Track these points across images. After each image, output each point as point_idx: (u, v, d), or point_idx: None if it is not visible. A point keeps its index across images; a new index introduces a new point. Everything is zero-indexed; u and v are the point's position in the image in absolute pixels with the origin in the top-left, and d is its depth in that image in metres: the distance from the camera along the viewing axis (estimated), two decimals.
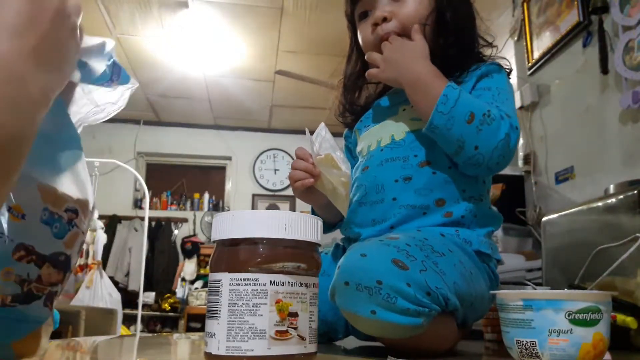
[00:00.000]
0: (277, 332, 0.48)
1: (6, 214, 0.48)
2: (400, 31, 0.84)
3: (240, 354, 0.48)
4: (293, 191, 0.80)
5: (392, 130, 0.84)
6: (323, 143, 0.78)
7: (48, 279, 0.51)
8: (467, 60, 0.85)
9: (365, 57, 0.86)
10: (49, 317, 0.52)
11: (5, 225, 0.48)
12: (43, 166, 0.52)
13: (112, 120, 0.67)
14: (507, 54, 2.41)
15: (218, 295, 0.50)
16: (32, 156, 0.44)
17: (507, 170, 1.52)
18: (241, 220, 0.51)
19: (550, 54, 2.12)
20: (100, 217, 4.05)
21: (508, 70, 0.87)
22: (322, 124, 0.79)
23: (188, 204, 5.16)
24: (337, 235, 0.96)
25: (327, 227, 0.94)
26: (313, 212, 0.92)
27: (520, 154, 2.24)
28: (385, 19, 0.84)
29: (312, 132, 0.78)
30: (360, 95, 0.98)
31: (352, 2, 0.91)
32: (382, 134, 0.85)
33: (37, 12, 0.39)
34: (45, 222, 0.51)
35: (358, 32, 0.91)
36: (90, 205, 0.57)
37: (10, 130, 0.36)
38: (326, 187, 0.76)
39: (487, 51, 0.89)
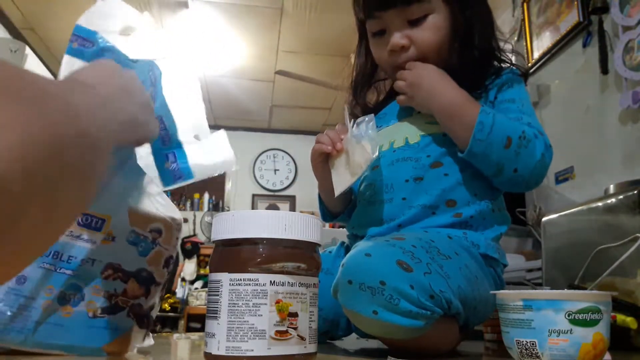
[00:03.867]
0: (277, 332, 0.48)
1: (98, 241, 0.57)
2: (419, 59, 0.81)
3: (240, 354, 0.48)
4: (311, 159, 0.79)
5: (406, 132, 0.83)
6: (364, 130, 0.74)
7: (132, 293, 0.59)
8: (487, 72, 0.84)
9: (394, 86, 0.83)
10: (132, 325, 0.60)
11: (88, 248, 0.56)
12: (133, 190, 0.60)
13: None
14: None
15: (218, 295, 0.50)
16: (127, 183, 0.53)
17: None
18: (241, 220, 0.51)
19: (550, 54, 2.12)
20: None
21: (524, 75, 0.87)
22: (371, 115, 0.75)
23: (188, 204, 5.15)
24: (337, 234, 0.95)
25: (330, 216, 0.94)
26: (319, 198, 0.91)
27: None
28: (403, 48, 0.80)
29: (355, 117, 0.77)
30: (371, 95, 0.96)
31: (364, 15, 0.85)
32: (395, 135, 0.84)
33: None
34: (131, 242, 0.59)
35: (371, 45, 0.87)
36: (176, 223, 0.64)
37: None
38: (336, 164, 0.74)
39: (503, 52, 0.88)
